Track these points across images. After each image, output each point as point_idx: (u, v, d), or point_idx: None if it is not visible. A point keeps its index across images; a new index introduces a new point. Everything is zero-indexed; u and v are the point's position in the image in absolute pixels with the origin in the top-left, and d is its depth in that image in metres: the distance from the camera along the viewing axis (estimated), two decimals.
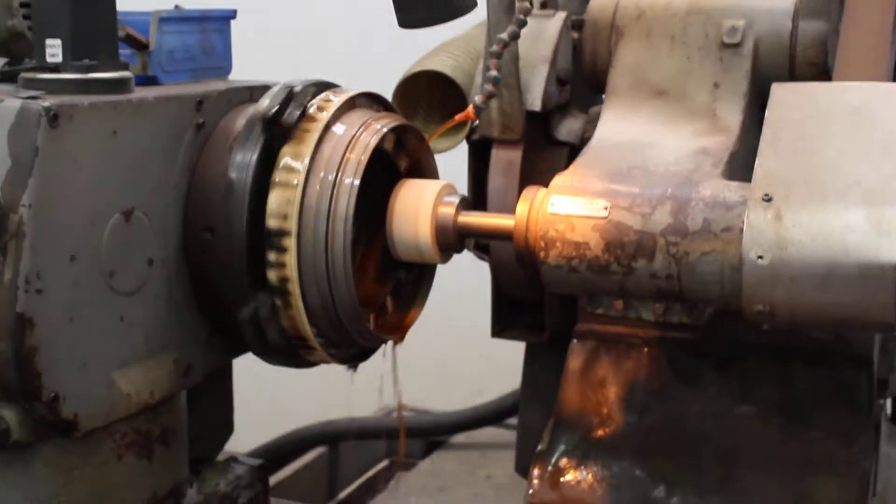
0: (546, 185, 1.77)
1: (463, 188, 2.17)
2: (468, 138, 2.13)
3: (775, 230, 1.60)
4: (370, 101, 1.87)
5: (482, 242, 2.14)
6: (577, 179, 1.77)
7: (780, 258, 1.60)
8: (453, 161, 2.18)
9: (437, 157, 2.10)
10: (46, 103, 1.54)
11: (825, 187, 1.61)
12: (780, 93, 1.72)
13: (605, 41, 2.00)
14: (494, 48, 1.82)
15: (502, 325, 2.22)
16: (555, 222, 1.73)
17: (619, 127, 1.91)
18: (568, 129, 2.09)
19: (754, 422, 1.99)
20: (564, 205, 1.74)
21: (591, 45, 2.02)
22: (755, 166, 1.65)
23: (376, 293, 1.93)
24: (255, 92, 1.88)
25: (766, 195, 1.62)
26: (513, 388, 2.83)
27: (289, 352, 1.83)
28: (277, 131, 1.74)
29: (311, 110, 1.77)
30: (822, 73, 1.89)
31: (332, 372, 2.02)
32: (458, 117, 1.84)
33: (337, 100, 1.79)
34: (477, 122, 2.03)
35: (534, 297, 2.14)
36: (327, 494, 2.91)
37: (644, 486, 1.99)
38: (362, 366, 1.96)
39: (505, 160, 2.05)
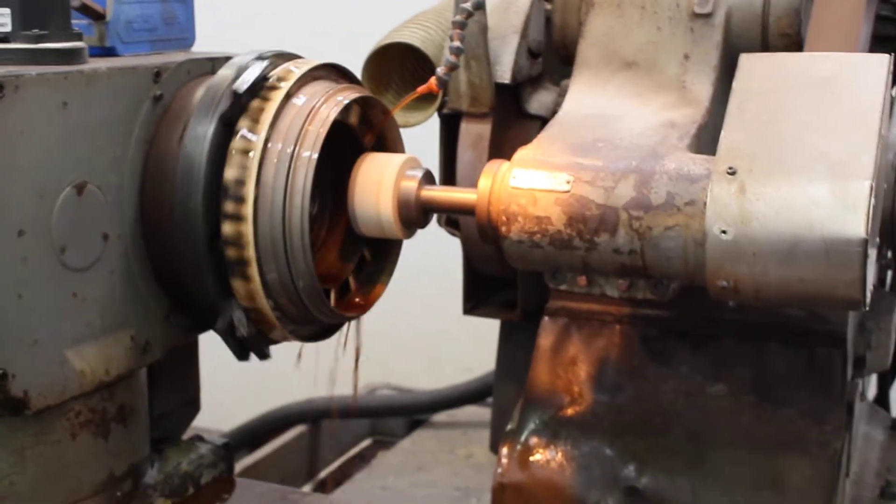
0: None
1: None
2: (440, 112, 2.09)
3: (739, 204, 1.56)
4: (333, 72, 1.83)
5: (453, 218, 2.11)
6: (540, 153, 1.73)
7: (743, 233, 1.56)
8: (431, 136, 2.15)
9: (413, 132, 2.08)
10: None
11: (790, 160, 1.57)
12: (748, 63, 1.67)
13: (576, 11, 1.95)
14: (458, 18, 1.78)
15: (474, 303, 2.19)
16: (517, 196, 1.70)
17: (587, 99, 1.87)
18: (539, 102, 2.05)
19: (726, 401, 1.96)
20: (526, 178, 1.70)
21: (561, 15, 1.98)
22: (720, 138, 1.61)
23: (340, 270, 1.89)
24: (216, 63, 1.84)
25: (730, 168, 1.58)
26: None
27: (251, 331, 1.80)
28: (235, 103, 1.71)
29: (271, 81, 1.73)
30: (795, 44, 1.85)
31: (316, 350, 1.99)
32: (420, 89, 1.80)
33: (298, 71, 1.75)
34: (445, 95, 1.99)
35: (506, 273, 2.11)
36: (308, 473, 2.89)
37: (614, 466, 1.96)
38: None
39: (474, 133, 2.01)
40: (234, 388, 3.32)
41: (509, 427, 2.03)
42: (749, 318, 1.95)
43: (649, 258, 1.65)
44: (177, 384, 2.02)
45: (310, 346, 1.96)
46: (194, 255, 1.71)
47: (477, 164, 2.00)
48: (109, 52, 1.82)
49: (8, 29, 1.63)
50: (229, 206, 1.68)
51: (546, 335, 2.06)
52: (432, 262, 2.31)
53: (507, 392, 2.30)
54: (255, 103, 1.71)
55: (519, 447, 2.00)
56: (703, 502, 1.90)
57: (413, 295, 2.48)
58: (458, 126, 2.05)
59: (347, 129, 1.82)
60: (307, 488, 2.79)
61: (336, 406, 2.69)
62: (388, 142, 1.87)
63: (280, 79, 1.73)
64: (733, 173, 1.57)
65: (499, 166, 1.74)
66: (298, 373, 2.07)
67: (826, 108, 1.60)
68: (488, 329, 2.37)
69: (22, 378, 1.58)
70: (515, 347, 2.28)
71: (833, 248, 1.53)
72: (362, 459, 2.88)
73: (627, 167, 1.67)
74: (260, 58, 1.76)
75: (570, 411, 2.01)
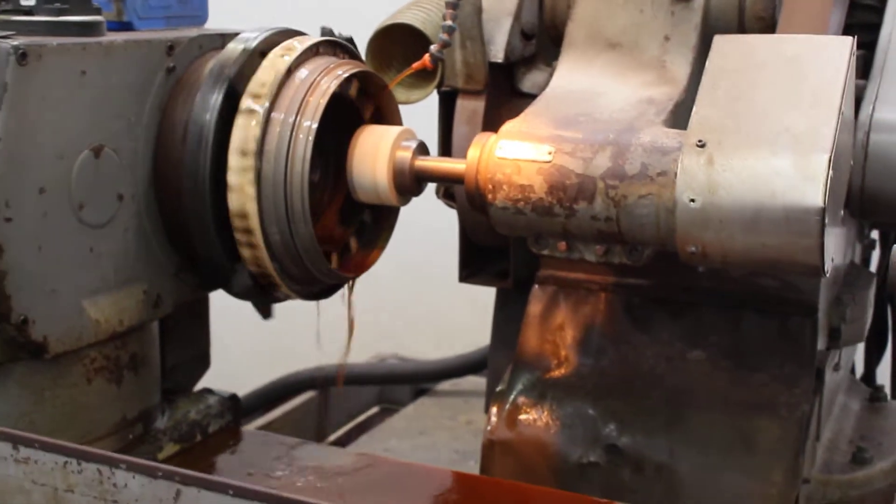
0: None
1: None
2: (439, 89, 2.20)
3: (707, 174, 1.67)
4: (334, 48, 1.96)
5: (450, 190, 2.22)
6: (525, 126, 1.85)
7: (710, 201, 1.67)
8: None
9: (419, 109, 2.20)
10: (15, 42, 1.64)
11: (756, 133, 1.68)
12: (721, 44, 1.78)
13: None
14: None
15: (469, 271, 2.31)
16: (502, 166, 1.81)
17: (573, 77, 1.99)
18: (532, 81, 2.16)
19: (704, 366, 2.07)
20: (512, 149, 1.82)
21: None
22: (692, 114, 1.72)
23: (341, 234, 2.02)
24: (226, 39, 1.97)
25: (699, 141, 1.69)
26: None
27: (257, 290, 1.93)
28: (242, 75, 1.83)
29: (275, 55, 1.86)
30: (770, 27, 1.95)
31: (326, 316, 2.11)
32: (415, 65, 1.92)
33: (300, 46, 1.88)
34: (443, 73, 2.10)
35: (499, 243, 2.22)
36: (316, 438, 3.01)
37: (596, 425, 2.07)
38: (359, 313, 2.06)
39: (469, 109, 2.12)
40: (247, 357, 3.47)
41: (499, 388, 2.15)
42: (726, 288, 2.06)
43: (624, 225, 1.77)
44: (187, 339, 2.15)
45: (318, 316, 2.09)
46: (203, 217, 1.84)
47: (471, 138, 2.09)
48: (127, 27, 1.95)
49: (32, 2, 1.77)
50: (233, 177, 1.81)
51: (536, 302, 2.17)
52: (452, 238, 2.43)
53: (501, 358, 2.41)
54: (260, 75, 1.84)
55: (508, 407, 2.12)
56: (679, 460, 2.01)
57: (429, 272, 2.59)
58: (455, 103, 2.16)
59: (349, 103, 1.94)
60: None
61: (342, 373, 2.82)
62: (386, 115, 2.00)
63: (283, 54, 1.86)
64: (702, 146, 1.68)
65: (487, 138, 1.86)
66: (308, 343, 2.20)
67: (791, 86, 1.71)
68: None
69: (41, 324, 1.72)
70: (510, 316, 2.39)
71: (793, 216, 1.63)
72: (369, 426, 3.01)
73: (605, 140, 1.78)
74: (266, 34, 1.88)
75: (556, 373, 2.13)
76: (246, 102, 1.82)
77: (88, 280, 1.80)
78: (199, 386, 2.19)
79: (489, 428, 2.12)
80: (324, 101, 1.83)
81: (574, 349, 2.14)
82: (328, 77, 1.86)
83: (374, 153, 1.90)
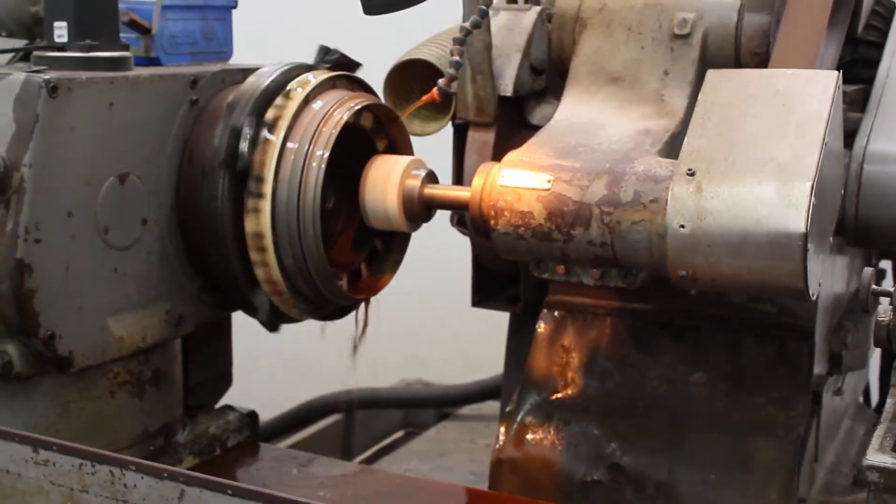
0: None
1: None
2: (453, 121, 2.31)
3: (696, 201, 1.75)
4: (349, 82, 2.07)
5: (463, 218, 2.31)
6: (527, 155, 1.94)
7: (699, 227, 1.75)
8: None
9: (436, 138, 2.30)
10: (47, 76, 1.77)
11: (743, 163, 1.76)
12: (713, 78, 1.87)
13: (570, 31, 2.16)
14: (458, 35, 2.00)
15: (482, 296, 2.40)
16: (504, 193, 1.91)
17: (575, 109, 2.08)
18: (541, 114, 2.25)
19: (704, 388, 2.14)
20: (513, 177, 1.91)
21: (558, 34, 2.19)
22: (684, 144, 1.81)
23: (353, 258, 2.12)
24: (247, 73, 2.09)
25: (689, 170, 1.77)
26: None
27: (274, 311, 2.03)
28: (260, 107, 1.95)
29: (291, 88, 1.97)
30: (765, 62, 2.03)
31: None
32: (424, 98, 2.02)
33: (315, 80, 1.99)
34: (453, 104, 2.21)
35: (510, 269, 2.31)
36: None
37: (600, 445, 2.15)
38: (386, 341, 2.14)
39: (480, 141, 2.22)
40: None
41: (508, 408, 2.23)
42: (726, 313, 2.13)
43: (619, 249, 1.85)
44: (210, 358, 2.26)
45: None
46: (221, 240, 1.95)
47: None
48: (154, 62, 2.08)
49: (65, 39, 1.89)
50: (250, 203, 1.92)
51: (544, 326, 2.26)
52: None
53: (514, 380, 2.48)
54: (277, 107, 1.95)
55: (516, 426, 2.20)
56: (679, 479, 2.08)
57: (455, 299, 2.68)
58: (467, 134, 2.26)
59: (364, 135, 2.05)
60: None
61: (366, 397, 2.92)
62: (398, 145, 2.10)
63: (300, 86, 1.97)
64: (692, 174, 1.77)
65: (491, 167, 1.95)
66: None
67: (778, 118, 1.79)
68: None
69: (67, 339, 1.84)
70: (522, 340, 2.47)
71: (776, 242, 1.71)
72: (392, 448, 3.10)
73: (601, 168, 1.87)
74: (284, 68, 2.00)
75: (563, 394, 2.21)
76: (263, 133, 1.93)
77: (113, 299, 1.91)
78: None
79: (497, 446, 2.21)
80: (335, 132, 1.94)
81: (580, 371, 2.22)
82: (341, 109, 1.97)
83: (385, 182, 2.01)
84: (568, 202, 1.86)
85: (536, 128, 2.27)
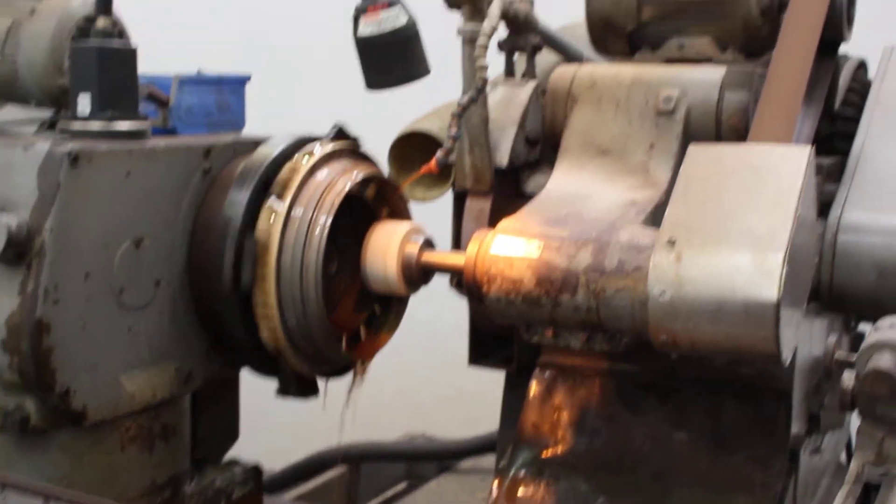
0: None
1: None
2: (453, 188, 2.42)
3: (675, 270, 1.86)
4: (352, 153, 2.19)
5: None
6: (519, 224, 2.06)
7: (678, 294, 1.85)
8: None
9: (438, 205, 2.42)
10: (69, 147, 1.90)
11: (720, 233, 1.86)
12: (694, 152, 1.98)
13: (563, 106, 2.28)
14: (455, 110, 2.12)
15: (478, 354, 2.50)
16: (496, 260, 2.02)
17: (566, 180, 2.20)
18: (536, 183, 2.37)
19: (687, 446, 2.23)
20: (505, 245, 2.02)
21: (551, 109, 2.31)
22: (665, 214, 1.92)
23: (353, 320, 2.23)
24: (258, 144, 2.21)
25: (670, 239, 1.88)
26: None
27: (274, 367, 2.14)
28: (267, 176, 2.07)
29: (298, 159, 2.10)
30: (744, 136, 2.14)
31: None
32: (422, 169, 2.14)
33: (320, 151, 2.12)
34: (453, 173, 2.32)
35: (504, 330, 2.41)
36: None
37: (588, 500, 2.24)
38: (391, 393, 2.24)
39: (476, 209, 2.33)
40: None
41: (501, 464, 2.33)
42: (707, 375, 2.23)
43: (603, 315, 1.95)
44: (218, 413, 2.36)
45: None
46: (230, 302, 2.06)
47: None
48: (171, 132, 2.21)
49: (87, 111, 2.02)
50: (258, 270, 2.03)
51: (536, 385, 2.36)
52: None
53: (509, 436, 2.58)
54: (283, 176, 2.07)
55: (508, 481, 2.29)
56: None
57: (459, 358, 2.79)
58: (465, 202, 2.38)
59: (366, 204, 2.17)
60: None
61: (371, 450, 3.01)
62: (398, 213, 2.22)
63: (305, 156, 2.10)
64: (672, 244, 1.87)
65: (485, 235, 2.07)
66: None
67: (754, 191, 1.89)
68: None
69: (81, 395, 1.95)
70: (516, 398, 2.57)
71: (751, 309, 1.81)
72: (395, 499, 3.19)
73: (588, 237, 1.98)
74: (290, 140, 2.12)
75: (553, 451, 2.30)
76: (270, 200, 2.05)
77: (126, 357, 2.03)
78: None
79: (491, 500, 2.30)
80: (338, 200, 2.06)
81: (570, 429, 2.31)
82: (343, 178, 2.09)
83: (385, 248, 2.12)
84: (556, 269, 1.97)
85: (531, 196, 2.39)
